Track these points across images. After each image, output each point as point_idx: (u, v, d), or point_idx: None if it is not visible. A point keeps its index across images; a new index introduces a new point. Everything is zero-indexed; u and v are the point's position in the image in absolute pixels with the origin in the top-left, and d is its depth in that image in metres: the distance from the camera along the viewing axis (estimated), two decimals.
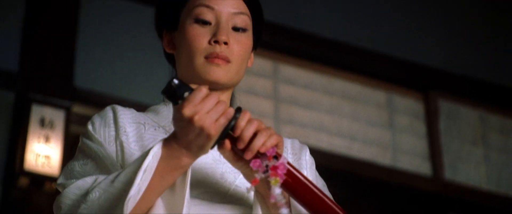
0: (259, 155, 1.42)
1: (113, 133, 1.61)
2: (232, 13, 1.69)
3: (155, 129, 1.65)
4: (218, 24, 1.67)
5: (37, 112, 3.48)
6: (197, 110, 1.40)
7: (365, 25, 4.53)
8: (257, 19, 1.75)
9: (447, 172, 4.46)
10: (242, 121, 1.43)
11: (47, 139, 3.46)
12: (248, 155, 1.43)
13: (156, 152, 1.44)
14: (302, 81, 4.34)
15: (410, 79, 4.59)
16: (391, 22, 4.62)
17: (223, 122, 1.41)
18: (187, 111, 1.40)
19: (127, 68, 3.79)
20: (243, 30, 1.70)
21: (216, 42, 1.65)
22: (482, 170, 4.60)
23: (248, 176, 1.48)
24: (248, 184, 1.50)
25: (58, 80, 3.60)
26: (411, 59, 4.57)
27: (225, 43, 1.65)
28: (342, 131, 4.33)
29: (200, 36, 1.66)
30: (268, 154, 1.42)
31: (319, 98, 4.35)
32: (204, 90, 1.42)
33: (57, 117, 3.50)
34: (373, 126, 4.42)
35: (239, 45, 1.68)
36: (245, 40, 1.70)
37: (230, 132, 1.43)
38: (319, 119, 4.29)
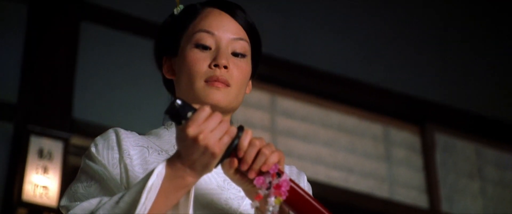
0: (262, 173, 1.44)
1: (116, 155, 1.63)
2: (231, 39, 1.72)
3: (159, 153, 1.66)
4: (218, 49, 1.71)
5: (35, 143, 3.49)
6: (201, 129, 1.41)
7: (362, 59, 4.57)
8: (255, 46, 1.78)
9: (444, 205, 4.47)
10: (244, 142, 1.44)
11: (45, 170, 3.47)
12: (252, 174, 1.44)
13: (160, 171, 1.45)
14: (299, 114, 4.36)
15: (406, 113, 4.62)
16: (388, 55, 4.66)
17: (227, 140, 1.43)
18: (192, 130, 1.41)
19: (125, 100, 3.81)
20: (242, 55, 1.73)
21: (216, 66, 1.68)
22: (479, 203, 4.61)
23: (250, 193, 1.49)
24: (251, 211, 1.52)
25: (57, 112, 3.62)
26: (408, 92, 4.60)
27: (225, 67, 1.69)
28: (339, 163, 4.34)
29: (201, 61, 1.69)
30: (271, 172, 1.44)
31: (316, 131, 4.37)
32: (207, 109, 1.43)
33: (56, 148, 3.51)
34: (370, 158, 4.44)
35: (238, 70, 1.71)
36: (244, 65, 1.73)
37: (233, 152, 1.45)
38: (316, 151, 4.30)
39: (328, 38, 4.53)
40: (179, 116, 1.44)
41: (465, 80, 4.83)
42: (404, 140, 4.58)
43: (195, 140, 1.41)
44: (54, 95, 3.66)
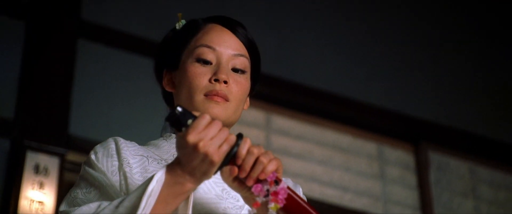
0: (260, 180, 1.46)
1: (116, 163, 1.66)
2: (232, 55, 1.76)
3: (158, 162, 1.69)
4: (218, 64, 1.74)
5: (31, 158, 3.51)
6: (201, 137, 1.43)
7: (357, 78, 4.59)
8: (255, 63, 1.81)
9: None
10: (243, 150, 1.47)
11: (41, 185, 3.48)
12: (250, 182, 1.47)
13: (160, 177, 1.47)
14: (294, 132, 4.38)
15: (401, 131, 4.64)
16: (383, 74, 4.68)
17: (226, 148, 1.45)
18: (192, 137, 1.44)
19: (121, 117, 3.83)
20: (242, 71, 1.77)
21: (216, 80, 1.72)
22: None
23: (249, 200, 1.51)
24: None
25: (53, 128, 3.64)
26: (402, 111, 4.63)
27: (225, 82, 1.72)
28: (334, 181, 4.36)
29: (201, 75, 1.73)
30: (269, 179, 1.46)
31: (311, 149, 4.38)
32: (207, 117, 1.46)
33: (52, 163, 3.53)
34: (365, 176, 4.45)
35: (237, 86, 1.75)
36: (244, 81, 1.77)
37: (232, 159, 1.47)
38: (311, 169, 4.32)
39: (323, 57, 4.56)
40: (179, 123, 1.47)
41: (459, 99, 4.86)
42: (398, 159, 4.60)
43: (195, 147, 1.43)
44: (50, 112, 3.67)
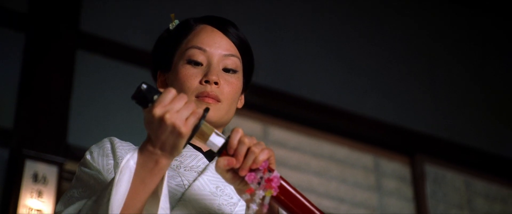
0: (253, 169, 1.47)
1: (111, 162, 1.68)
2: (223, 55, 1.78)
3: None
4: (209, 65, 1.76)
5: (30, 167, 3.52)
6: (167, 109, 1.44)
7: (353, 90, 4.62)
8: (247, 61, 1.83)
9: None
10: (234, 140, 1.48)
11: (39, 194, 3.50)
12: (243, 172, 1.47)
13: (132, 155, 1.48)
14: (291, 144, 4.40)
15: (396, 144, 4.66)
16: (379, 87, 4.71)
17: (193, 120, 1.45)
18: (158, 110, 1.44)
19: (119, 127, 3.85)
20: (233, 71, 1.79)
21: (207, 82, 1.74)
22: None
23: (242, 192, 1.52)
24: None
25: (52, 137, 3.66)
26: (398, 124, 4.65)
27: (216, 83, 1.74)
28: (330, 192, 4.37)
29: (192, 76, 1.75)
30: (262, 168, 1.47)
31: (308, 161, 4.40)
32: (173, 91, 1.46)
33: (50, 172, 3.54)
34: (361, 188, 4.47)
35: (229, 86, 1.76)
36: (235, 81, 1.78)
37: (224, 150, 1.48)
38: (308, 180, 4.33)
39: (320, 69, 4.59)
40: (145, 99, 1.47)
41: (455, 112, 4.89)
42: (394, 171, 4.62)
43: (161, 119, 1.44)
44: (49, 121, 3.70)
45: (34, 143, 3.60)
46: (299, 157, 4.39)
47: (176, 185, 1.65)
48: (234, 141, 1.48)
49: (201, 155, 1.75)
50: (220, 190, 1.67)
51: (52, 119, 3.71)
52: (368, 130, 4.58)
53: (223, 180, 1.65)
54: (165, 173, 1.50)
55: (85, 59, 3.94)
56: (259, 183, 1.46)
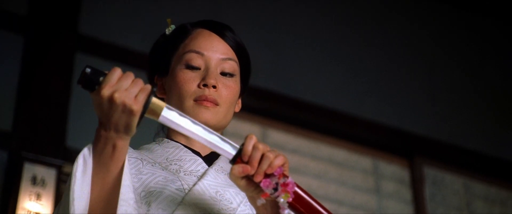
0: (268, 175, 1.47)
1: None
2: (220, 59, 1.79)
3: (152, 165, 1.71)
4: (207, 69, 1.77)
5: (29, 170, 3.52)
6: (115, 88, 1.43)
7: (352, 93, 4.62)
8: (244, 65, 1.84)
9: None
10: (249, 146, 1.48)
11: (38, 197, 3.50)
12: (258, 178, 1.47)
13: (88, 146, 1.50)
14: (290, 147, 4.40)
15: (395, 146, 4.66)
16: (378, 89, 4.71)
17: (143, 96, 1.45)
18: (106, 91, 1.43)
19: None
20: (231, 75, 1.80)
21: (205, 85, 1.75)
22: None
23: (254, 199, 1.53)
24: None
25: (51, 140, 3.66)
26: (397, 126, 4.65)
27: (214, 87, 1.75)
28: (329, 195, 4.38)
29: (190, 80, 1.76)
30: (276, 174, 1.46)
31: (307, 163, 4.40)
32: (118, 70, 1.46)
33: (49, 175, 3.54)
34: (360, 191, 4.47)
35: (227, 89, 1.77)
36: (233, 84, 1.79)
37: (239, 157, 1.47)
38: (307, 183, 4.33)
39: (318, 72, 4.59)
40: (91, 82, 1.45)
41: (454, 114, 4.89)
42: (393, 173, 4.62)
43: (111, 99, 1.43)
44: (48, 124, 3.70)
45: (33, 145, 3.60)
46: (298, 159, 4.39)
47: (176, 189, 1.65)
48: (249, 147, 1.48)
49: (200, 160, 1.76)
50: (220, 195, 1.67)
51: (51, 122, 3.71)
52: (367, 132, 4.58)
53: (223, 185, 1.65)
54: (125, 158, 1.49)
55: (84, 62, 3.89)
56: (274, 189, 1.46)
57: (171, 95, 1.79)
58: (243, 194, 1.71)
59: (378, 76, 4.75)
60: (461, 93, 4.98)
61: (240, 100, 1.89)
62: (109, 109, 1.44)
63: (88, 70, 1.44)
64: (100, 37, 4.04)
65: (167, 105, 1.50)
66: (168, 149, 1.76)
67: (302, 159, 4.40)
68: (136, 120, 1.45)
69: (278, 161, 1.48)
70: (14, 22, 3.88)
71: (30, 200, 3.47)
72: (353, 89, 4.63)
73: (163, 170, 1.69)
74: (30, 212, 3.45)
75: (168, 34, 1.88)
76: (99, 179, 1.47)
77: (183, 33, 1.84)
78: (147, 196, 1.61)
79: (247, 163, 1.47)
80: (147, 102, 1.45)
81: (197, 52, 1.79)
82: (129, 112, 1.43)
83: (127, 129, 1.46)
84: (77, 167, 1.47)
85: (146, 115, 1.46)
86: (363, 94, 4.65)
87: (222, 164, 1.77)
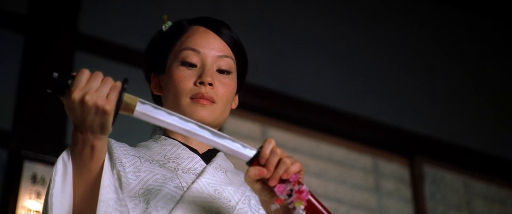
0: (283, 181, 1.47)
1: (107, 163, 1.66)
2: (217, 56, 1.78)
3: (150, 162, 1.71)
4: (203, 66, 1.77)
5: (29, 168, 3.52)
6: (85, 91, 1.42)
7: (352, 91, 4.62)
8: (241, 62, 1.84)
9: None
10: (267, 150, 1.47)
11: (38, 195, 3.50)
12: (273, 182, 1.47)
13: (67, 150, 1.50)
14: (289, 145, 4.40)
15: (395, 145, 4.66)
16: (378, 88, 4.71)
17: (114, 95, 1.45)
18: (76, 94, 1.42)
19: (117, 128, 3.84)
20: (228, 72, 1.79)
21: (202, 83, 1.75)
22: None
23: (266, 203, 1.53)
24: None
25: (51, 138, 3.66)
26: (397, 125, 4.65)
27: (210, 84, 1.75)
28: (328, 194, 4.38)
29: (187, 78, 1.75)
30: (292, 180, 1.47)
31: (306, 162, 4.40)
32: (86, 71, 1.45)
33: (49, 173, 3.52)
34: (360, 189, 4.47)
35: (223, 87, 1.77)
36: (229, 82, 1.79)
37: (256, 160, 1.46)
38: (307, 181, 4.24)
39: (318, 71, 4.59)
40: (61, 86, 1.43)
41: (454, 113, 4.90)
42: (393, 172, 4.62)
43: (82, 102, 1.42)
44: (48, 123, 3.70)
45: (33, 144, 3.60)
46: (298, 158, 4.24)
47: (175, 187, 1.65)
48: (267, 150, 1.48)
49: (198, 157, 1.76)
50: (218, 193, 1.68)
51: (51, 120, 3.71)
52: (367, 131, 4.58)
53: (221, 183, 1.65)
54: (104, 158, 1.49)
55: (84, 61, 3.94)
56: (288, 195, 1.46)
57: (168, 93, 1.79)
58: (241, 192, 1.71)
59: (378, 75, 4.75)
60: (461, 93, 4.98)
61: (237, 97, 1.88)
62: (82, 111, 1.43)
63: (55, 75, 1.43)
64: (100, 36, 4.04)
65: (140, 99, 1.50)
66: (165, 147, 1.76)
67: (302, 158, 4.40)
68: (110, 119, 1.45)
69: (295, 168, 1.49)
70: (14, 21, 3.88)
71: (30, 198, 3.47)
72: (353, 88, 4.63)
73: (161, 167, 1.68)
74: (30, 210, 3.45)
75: (165, 30, 1.88)
76: (82, 181, 1.48)
77: (180, 30, 1.84)
78: (146, 194, 1.61)
79: (263, 166, 1.46)
80: (120, 100, 1.44)
81: (193, 50, 1.78)
82: (102, 112, 1.43)
83: (102, 129, 1.45)
84: (57, 171, 1.48)
85: (120, 112, 1.46)
86: (363, 93, 4.65)
87: (220, 162, 1.77)
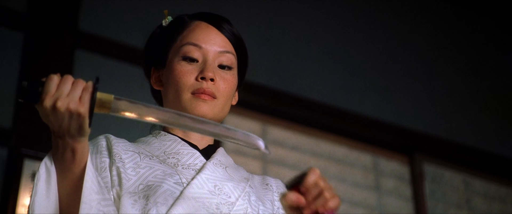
0: (317, 212, 1.45)
1: (106, 159, 1.68)
2: (218, 52, 1.78)
3: (150, 158, 1.71)
4: (205, 61, 1.76)
5: (29, 166, 3.52)
6: (56, 97, 1.41)
7: (352, 90, 4.62)
8: (242, 58, 1.83)
9: None
10: (310, 180, 1.46)
11: None
12: (306, 212, 1.45)
13: (49, 155, 1.50)
14: (290, 143, 4.40)
15: (395, 143, 4.66)
16: (378, 86, 4.71)
17: (87, 97, 1.44)
18: (47, 101, 1.42)
19: (117, 126, 3.84)
20: (229, 68, 1.79)
21: (203, 78, 1.74)
22: None
23: None
24: None
25: (50, 137, 3.65)
26: (397, 123, 4.65)
27: (212, 80, 1.74)
28: None
29: (188, 73, 1.75)
30: None
31: (307, 160, 4.40)
32: (54, 77, 1.44)
33: None
34: (360, 188, 4.47)
35: (224, 82, 1.77)
36: (231, 77, 1.79)
37: (297, 185, 1.44)
38: None
39: (318, 69, 4.59)
40: (32, 94, 1.42)
41: (453, 111, 4.90)
42: (393, 170, 4.63)
43: (55, 109, 1.41)
44: None
45: (32, 142, 3.60)
46: (298, 156, 4.39)
47: (175, 182, 1.65)
48: (310, 181, 1.46)
49: (198, 153, 1.75)
50: (218, 189, 1.67)
51: None
52: (367, 129, 4.58)
53: (221, 179, 1.65)
54: (86, 159, 1.48)
55: (84, 59, 3.94)
56: None
57: (168, 88, 1.78)
58: (241, 188, 1.70)
59: (378, 73, 4.75)
60: (461, 91, 4.98)
61: (237, 94, 1.88)
62: (56, 118, 1.43)
63: (24, 83, 1.42)
64: (100, 34, 4.04)
65: (115, 96, 1.49)
66: (165, 142, 1.76)
67: (302, 156, 4.40)
68: (86, 121, 1.44)
69: (333, 204, 1.46)
70: (13, 19, 3.88)
71: (30, 196, 3.46)
72: (353, 86, 4.63)
73: (161, 163, 1.68)
74: None
75: (165, 25, 1.88)
76: (67, 184, 1.48)
77: (181, 25, 1.84)
78: (146, 190, 1.61)
79: (302, 193, 1.45)
80: (93, 100, 1.43)
81: (195, 45, 1.78)
82: (77, 116, 1.42)
83: (80, 131, 1.45)
84: (39, 177, 1.49)
85: (96, 111, 1.45)
86: (363, 91, 4.65)
87: (220, 158, 1.77)
